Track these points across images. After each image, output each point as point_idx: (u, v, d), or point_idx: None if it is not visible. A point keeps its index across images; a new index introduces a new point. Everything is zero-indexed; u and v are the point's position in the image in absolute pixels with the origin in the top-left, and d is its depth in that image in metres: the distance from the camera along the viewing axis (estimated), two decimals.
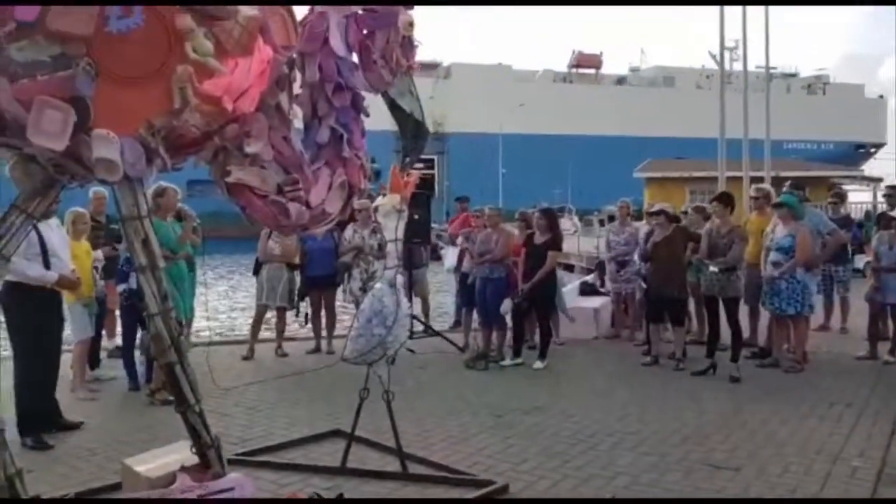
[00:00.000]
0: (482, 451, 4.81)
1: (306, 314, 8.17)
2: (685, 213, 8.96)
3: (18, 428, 4.87)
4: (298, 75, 3.78)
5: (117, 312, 7.07)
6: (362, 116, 4.02)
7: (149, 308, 3.14)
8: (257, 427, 5.41)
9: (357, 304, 7.46)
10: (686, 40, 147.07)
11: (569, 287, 10.21)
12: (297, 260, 8.01)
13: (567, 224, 37.44)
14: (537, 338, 7.89)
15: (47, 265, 5.03)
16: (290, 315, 8.22)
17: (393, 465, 4.44)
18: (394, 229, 4.43)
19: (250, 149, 3.40)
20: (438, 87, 61.32)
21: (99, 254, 6.63)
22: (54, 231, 5.28)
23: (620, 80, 72.22)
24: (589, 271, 15.65)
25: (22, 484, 3.24)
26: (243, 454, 4.65)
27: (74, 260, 5.65)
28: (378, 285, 4.45)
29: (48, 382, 5.19)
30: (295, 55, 3.63)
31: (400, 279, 4.46)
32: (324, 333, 8.22)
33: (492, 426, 5.37)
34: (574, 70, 70.52)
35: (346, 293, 8.06)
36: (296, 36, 3.50)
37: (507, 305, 7.67)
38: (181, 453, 3.49)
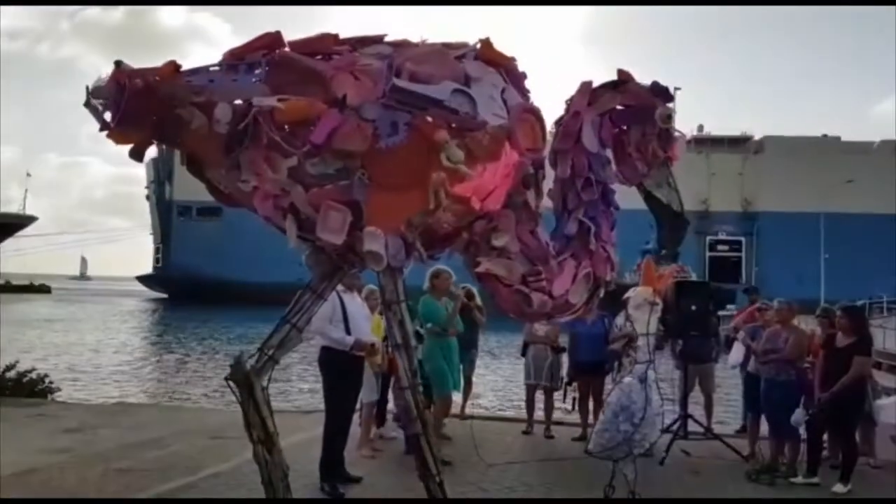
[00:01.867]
0: None
1: (574, 398, 8.19)
2: None
3: (320, 474, 5.69)
4: (551, 171, 4.06)
5: None
6: (612, 209, 4.14)
7: (400, 382, 3.57)
8: None
9: None
10: None
11: (891, 400, 8.64)
12: (562, 344, 8.17)
13: None
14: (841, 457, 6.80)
15: (348, 331, 5.88)
16: (557, 400, 8.32)
17: None
18: (645, 322, 4.38)
19: (497, 242, 3.76)
20: (749, 163, 57.59)
21: None
22: (358, 305, 6.19)
23: None
24: None
25: None
26: None
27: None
28: (627, 379, 4.41)
29: (344, 438, 6.00)
30: (545, 154, 3.93)
31: (651, 375, 4.36)
32: (591, 420, 8.13)
33: None
34: None
35: (615, 382, 7.91)
36: (543, 139, 3.80)
37: (799, 416, 6.73)
38: None
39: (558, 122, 4.11)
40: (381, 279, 3.61)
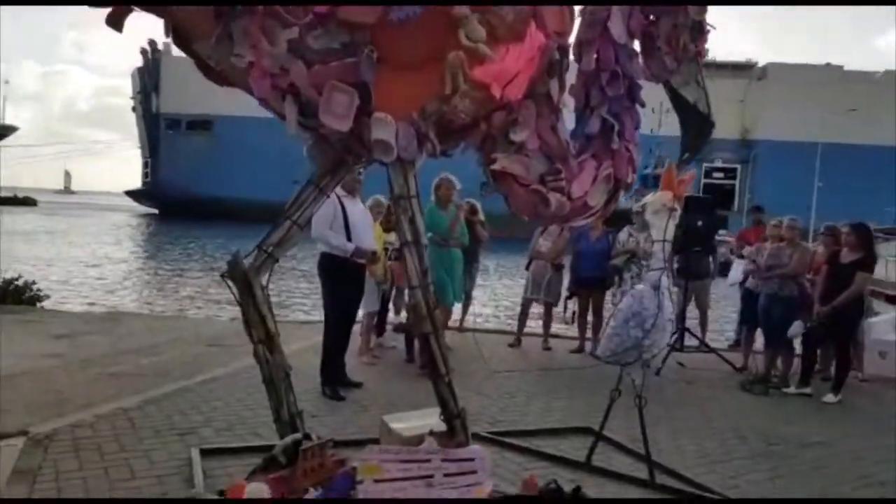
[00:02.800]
0: (744, 476, 4.36)
1: (573, 313, 8.17)
2: None
3: (321, 378, 5.65)
4: (573, 64, 3.75)
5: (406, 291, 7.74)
6: (637, 106, 3.87)
7: (410, 280, 3.37)
8: (512, 412, 5.55)
9: None
10: None
11: (882, 318, 8.74)
12: (561, 262, 8.13)
13: None
14: (834, 369, 6.94)
15: (349, 237, 5.67)
16: (556, 314, 8.32)
17: (641, 471, 4.24)
18: (662, 229, 4.18)
19: (516, 136, 3.48)
20: (751, 90, 56.55)
21: (394, 236, 7.37)
22: (359, 210, 5.96)
23: None
24: None
25: (301, 422, 3.72)
26: (493, 433, 4.81)
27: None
28: (639, 286, 4.26)
29: (344, 344, 5.90)
30: (570, 42, 3.61)
31: (665, 281, 4.20)
32: (589, 335, 8.14)
33: (760, 454, 4.84)
34: None
35: (616, 297, 7.87)
36: (571, 22, 3.48)
37: (797, 328, 6.86)
38: (433, 419, 3.69)
39: (584, 10, 3.76)
40: (391, 172, 3.32)
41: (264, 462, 3.35)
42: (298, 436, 3.42)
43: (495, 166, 3.56)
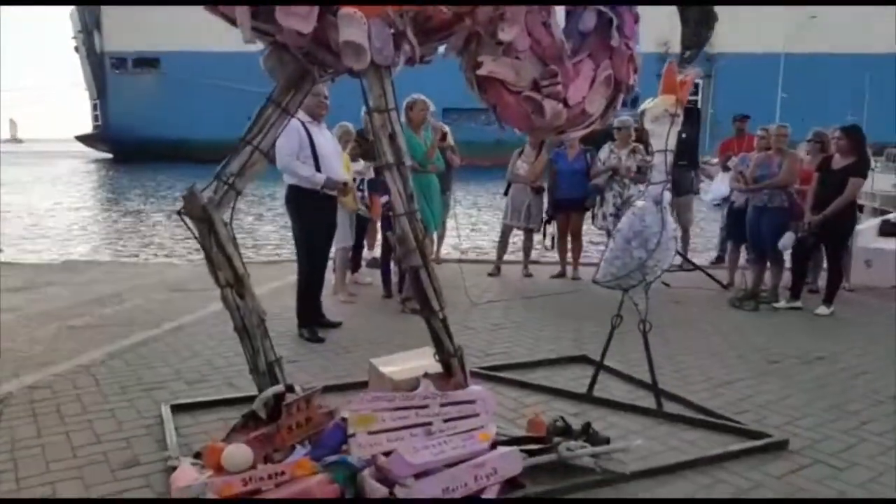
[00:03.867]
0: (751, 398, 4.15)
1: (552, 237, 7.87)
2: None
3: (298, 320, 5.30)
4: None
5: (378, 224, 7.34)
6: None
7: (394, 208, 2.97)
8: (501, 344, 5.29)
9: (608, 231, 7.15)
10: None
11: (865, 225, 8.64)
12: (541, 184, 7.78)
13: None
14: (822, 281, 6.79)
15: (318, 168, 5.19)
16: (536, 239, 8.02)
17: (644, 400, 4.00)
18: (664, 137, 3.79)
19: (504, 35, 3.04)
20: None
21: (360, 165, 6.89)
22: (327, 138, 5.46)
23: None
24: (883, 213, 13.34)
25: (281, 371, 3.36)
26: (486, 368, 4.53)
27: None
28: (640, 202, 3.89)
29: (320, 282, 5.52)
30: None
31: (667, 196, 3.86)
32: (569, 259, 7.86)
33: (764, 373, 4.65)
34: None
35: (597, 218, 7.57)
36: None
37: (788, 240, 6.64)
38: (427, 359, 3.37)
39: None
40: (364, 82, 2.87)
41: (244, 419, 3.00)
42: (280, 387, 3.06)
43: (481, 71, 3.13)
